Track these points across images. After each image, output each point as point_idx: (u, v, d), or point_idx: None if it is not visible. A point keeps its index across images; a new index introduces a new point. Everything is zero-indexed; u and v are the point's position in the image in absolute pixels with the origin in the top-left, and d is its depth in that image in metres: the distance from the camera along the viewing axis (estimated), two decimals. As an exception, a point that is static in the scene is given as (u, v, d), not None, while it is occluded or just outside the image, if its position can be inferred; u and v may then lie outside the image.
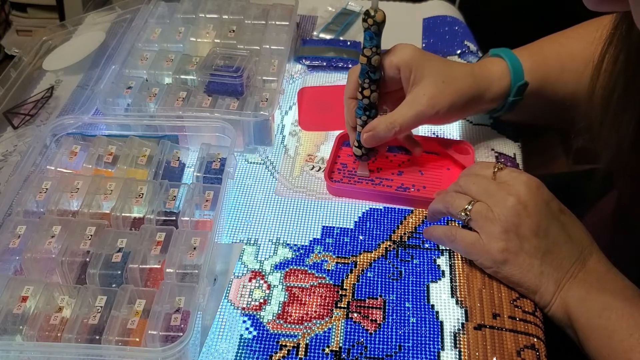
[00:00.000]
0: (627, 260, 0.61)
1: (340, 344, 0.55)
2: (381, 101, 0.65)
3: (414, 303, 0.58)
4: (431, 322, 0.57)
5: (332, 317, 0.57)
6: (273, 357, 0.54)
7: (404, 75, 0.63)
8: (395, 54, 0.63)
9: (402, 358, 0.54)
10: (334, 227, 0.65)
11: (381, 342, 0.55)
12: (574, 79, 0.68)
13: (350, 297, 0.59)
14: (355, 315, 0.57)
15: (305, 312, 0.57)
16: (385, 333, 0.56)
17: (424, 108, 0.63)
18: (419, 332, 0.56)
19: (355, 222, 0.65)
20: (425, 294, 0.59)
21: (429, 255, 0.62)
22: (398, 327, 0.56)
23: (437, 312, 0.57)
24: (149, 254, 0.56)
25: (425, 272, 0.61)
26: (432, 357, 0.54)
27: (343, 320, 0.57)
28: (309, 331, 0.56)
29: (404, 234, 0.64)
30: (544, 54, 0.70)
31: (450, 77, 0.64)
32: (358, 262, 0.62)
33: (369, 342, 0.55)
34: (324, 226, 0.65)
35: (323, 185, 0.69)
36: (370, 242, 0.63)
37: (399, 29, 0.94)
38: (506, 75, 0.67)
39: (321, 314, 0.57)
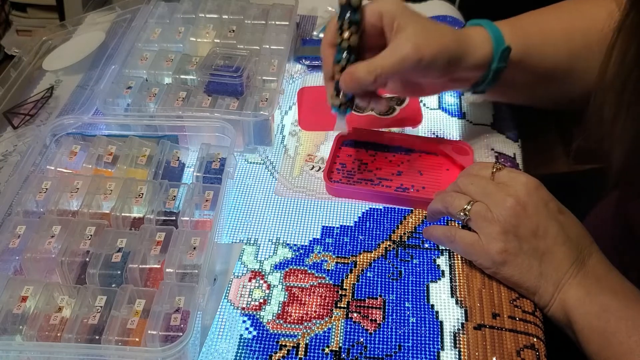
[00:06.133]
0: (627, 261, 0.61)
1: (340, 344, 0.55)
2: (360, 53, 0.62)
3: (414, 303, 0.58)
4: (431, 322, 0.57)
5: (332, 317, 0.57)
6: (273, 357, 0.54)
7: (386, 22, 0.60)
8: (378, 2, 0.60)
9: (402, 358, 0.54)
10: (333, 227, 0.65)
11: (381, 342, 0.55)
12: (553, 52, 0.67)
13: (350, 297, 0.59)
14: (355, 315, 0.57)
15: (305, 312, 0.58)
16: (385, 333, 0.56)
17: (408, 52, 0.58)
18: (418, 332, 0.56)
19: (355, 222, 0.65)
20: (425, 294, 0.59)
21: (429, 255, 0.62)
22: (398, 327, 0.56)
23: (437, 312, 0.57)
24: (148, 254, 0.56)
25: (425, 272, 0.61)
26: (432, 357, 0.54)
27: (343, 320, 0.57)
28: (308, 331, 0.56)
29: (404, 233, 0.64)
30: (523, 25, 0.68)
31: (434, 29, 0.61)
32: (358, 262, 0.62)
33: (368, 342, 0.55)
34: (323, 226, 0.65)
35: (323, 185, 0.69)
36: (370, 242, 0.63)
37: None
38: (488, 41, 0.64)
39: (321, 314, 0.57)
